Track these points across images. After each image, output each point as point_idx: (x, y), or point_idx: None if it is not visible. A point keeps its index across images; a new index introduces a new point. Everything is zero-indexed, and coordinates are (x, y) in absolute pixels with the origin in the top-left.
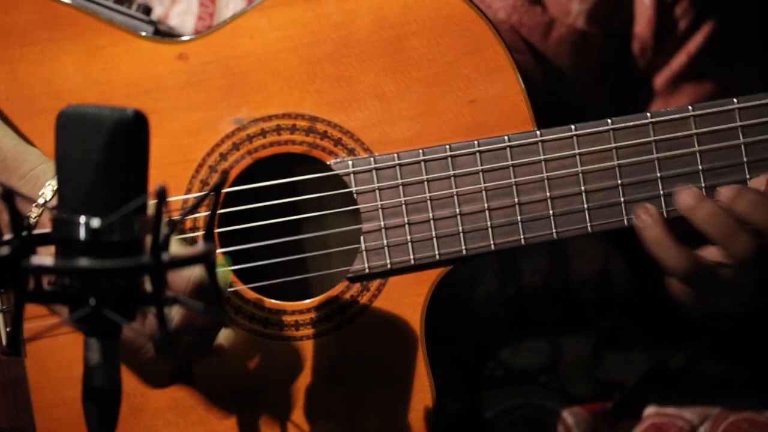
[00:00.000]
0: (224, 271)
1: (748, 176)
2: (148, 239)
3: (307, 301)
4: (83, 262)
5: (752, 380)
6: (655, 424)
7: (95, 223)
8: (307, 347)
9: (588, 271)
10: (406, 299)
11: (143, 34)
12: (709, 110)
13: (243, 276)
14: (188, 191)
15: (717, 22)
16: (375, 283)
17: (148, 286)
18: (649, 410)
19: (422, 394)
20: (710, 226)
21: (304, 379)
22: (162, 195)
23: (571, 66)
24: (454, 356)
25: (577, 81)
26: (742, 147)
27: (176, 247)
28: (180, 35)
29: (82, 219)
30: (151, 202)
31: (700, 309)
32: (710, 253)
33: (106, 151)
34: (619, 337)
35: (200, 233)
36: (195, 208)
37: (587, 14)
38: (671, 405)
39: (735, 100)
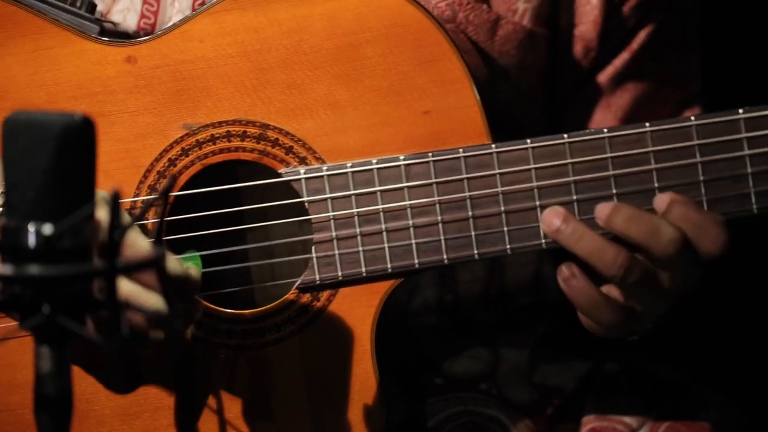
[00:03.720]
0: (195, 261)
1: (704, 196)
2: (97, 244)
3: (254, 310)
4: (35, 269)
5: (687, 384)
6: (594, 429)
7: (47, 230)
8: (252, 356)
9: (523, 277)
10: (357, 310)
11: (91, 35)
12: (666, 126)
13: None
14: (136, 196)
15: (658, 21)
16: (325, 294)
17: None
18: (588, 414)
19: (370, 405)
20: (577, 246)
21: (250, 388)
22: (116, 200)
23: (518, 65)
24: (395, 366)
25: (522, 81)
26: (699, 165)
27: (140, 239)
28: (126, 34)
29: (32, 226)
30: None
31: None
32: (614, 292)
33: (55, 157)
34: (556, 342)
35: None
36: (145, 211)
37: (533, 12)
38: (610, 410)
39: (692, 117)
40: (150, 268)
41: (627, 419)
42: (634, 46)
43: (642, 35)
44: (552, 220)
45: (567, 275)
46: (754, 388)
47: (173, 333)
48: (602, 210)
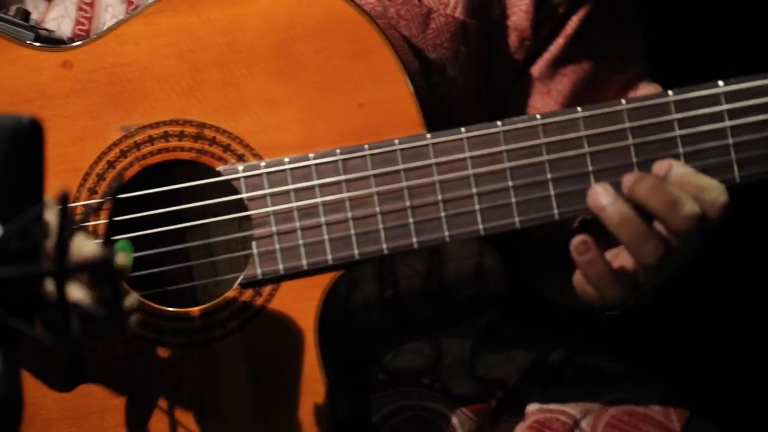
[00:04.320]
0: (125, 248)
1: None
2: (45, 245)
3: (197, 308)
4: None
5: (629, 373)
6: (538, 421)
7: None
8: (198, 354)
9: (463, 271)
10: (299, 304)
11: (27, 41)
12: (597, 111)
13: (131, 282)
14: (76, 200)
15: (590, 5)
16: (267, 289)
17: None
18: (532, 407)
19: (317, 397)
20: (621, 229)
21: (195, 385)
22: (65, 201)
23: (452, 58)
24: (338, 362)
25: (458, 74)
26: (631, 148)
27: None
28: (62, 40)
29: None
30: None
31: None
32: (625, 263)
33: (2, 159)
34: (498, 335)
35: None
36: (91, 213)
37: (465, 4)
38: (553, 401)
39: (623, 101)
40: (99, 268)
41: (570, 410)
42: (568, 31)
43: (575, 20)
44: (599, 198)
45: (582, 249)
46: (697, 378)
47: (114, 329)
48: (628, 179)
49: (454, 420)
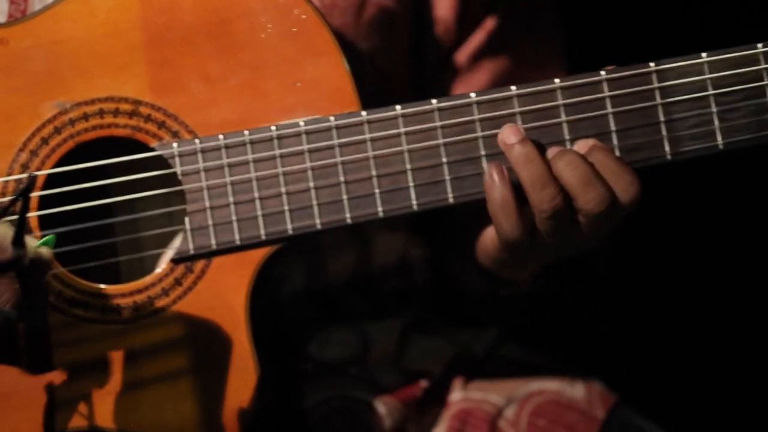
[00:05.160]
0: (47, 241)
1: None
2: None
3: (128, 284)
4: None
5: (553, 364)
6: (463, 410)
7: None
8: (129, 331)
9: (390, 262)
10: (231, 281)
11: None
12: (531, 89)
13: (61, 259)
14: (9, 176)
15: (507, 5)
16: (199, 265)
17: None
18: (456, 395)
19: (246, 374)
20: (522, 169)
21: (125, 363)
22: None
23: (383, 47)
24: (266, 352)
25: (387, 64)
26: (564, 125)
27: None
28: None
29: None
30: None
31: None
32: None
33: None
34: (424, 326)
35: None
36: (4, 212)
37: None
38: (477, 390)
39: (557, 80)
40: (9, 269)
41: (494, 398)
42: (488, 26)
43: (494, 16)
44: (509, 135)
45: (495, 172)
46: (621, 366)
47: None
48: (551, 150)
49: (381, 409)
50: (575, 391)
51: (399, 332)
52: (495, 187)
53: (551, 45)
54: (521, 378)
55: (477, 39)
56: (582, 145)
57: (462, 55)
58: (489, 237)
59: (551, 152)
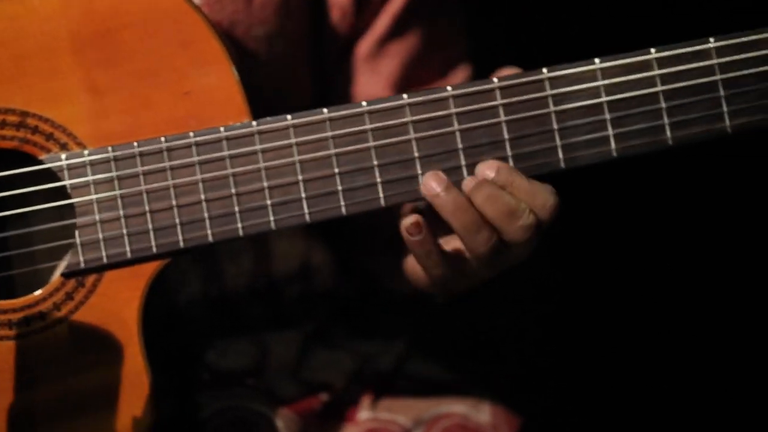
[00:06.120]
0: None
1: (463, 162)
2: None
3: (19, 299)
4: None
5: (460, 384)
6: (370, 429)
7: None
8: (18, 347)
9: (291, 268)
10: (123, 294)
11: None
12: (423, 98)
13: None
14: None
15: None
16: (90, 279)
17: None
18: (364, 414)
19: (139, 388)
20: (454, 218)
21: (17, 379)
22: None
23: (278, 33)
24: (163, 360)
25: (285, 51)
26: (457, 134)
27: None
28: None
29: None
30: None
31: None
32: (456, 246)
33: None
34: (325, 337)
35: None
36: None
37: None
38: (384, 410)
39: (449, 87)
40: None
41: (401, 419)
42: (392, 9)
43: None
44: (432, 184)
45: (413, 230)
46: (528, 387)
47: None
48: (468, 183)
49: (279, 422)
50: (480, 415)
51: (299, 343)
52: (416, 242)
53: (455, 24)
54: (429, 399)
55: (381, 24)
56: (487, 168)
57: (367, 42)
58: (417, 273)
59: (468, 185)
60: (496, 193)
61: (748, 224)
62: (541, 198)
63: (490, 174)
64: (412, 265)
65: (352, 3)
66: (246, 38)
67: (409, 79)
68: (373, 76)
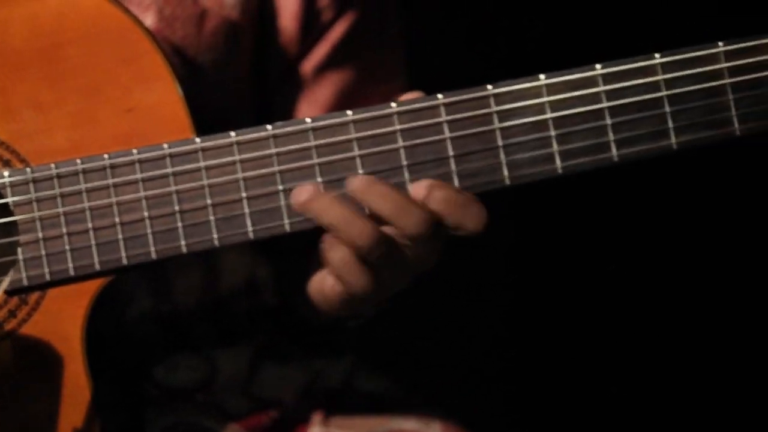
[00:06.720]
0: None
1: (408, 179)
2: None
3: None
4: None
5: (410, 400)
6: None
7: None
8: None
9: (237, 283)
10: (66, 312)
11: None
12: (367, 114)
13: None
14: None
15: (359, 10)
16: (34, 296)
17: None
18: (315, 430)
19: (82, 406)
20: (384, 204)
21: None
22: None
23: (225, 59)
24: (111, 375)
25: (230, 76)
26: (401, 150)
27: None
28: None
29: None
30: None
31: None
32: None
33: None
34: (274, 352)
35: None
36: None
37: (240, 5)
38: (336, 427)
39: (393, 104)
40: None
41: None
42: (333, 38)
43: (339, 28)
44: (299, 196)
45: (326, 239)
46: (478, 403)
47: None
48: (355, 183)
49: None
50: (432, 428)
51: (249, 358)
52: (332, 249)
53: (397, 57)
54: (380, 416)
55: (321, 50)
56: (421, 187)
57: (307, 66)
58: (328, 287)
59: (356, 184)
60: (385, 190)
61: (738, 222)
62: (474, 210)
63: (421, 195)
64: (318, 283)
65: (298, 30)
66: (194, 63)
67: (344, 109)
68: (311, 103)
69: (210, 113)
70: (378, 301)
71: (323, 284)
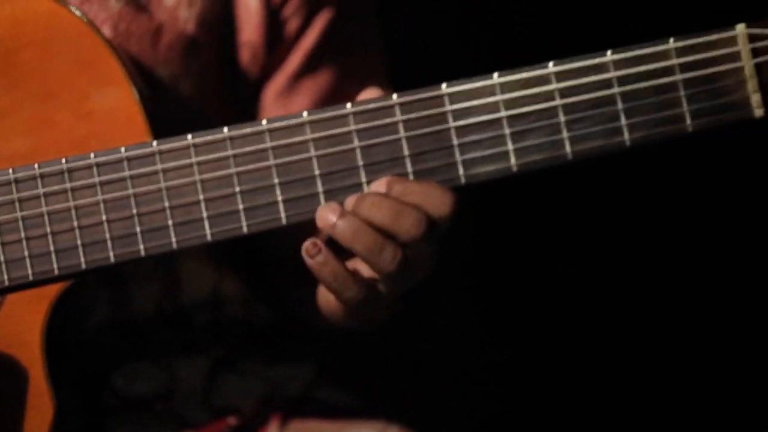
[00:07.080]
0: None
1: (364, 179)
2: None
3: None
4: None
5: (368, 410)
6: None
7: None
8: None
9: (200, 295)
10: (26, 317)
11: None
12: (324, 115)
13: None
14: None
15: (331, 14)
16: None
17: None
18: None
19: (42, 413)
20: (355, 243)
21: None
22: None
23: (184, 74)
24: (70, 385)
25: (191, 91)
26: (357, 150)
27: None
28: None
29: None
30: None
31: (349, 322)
32: (362, 269)
33: None
34: (235, 362)
35: None
36: None
37: (197, 19)
38: (292, 429)
39: (348, 105)
40: None
41: None
42: (305, 46)
43: (312, 35)
44: (327, 216)
45: (312, 251)
46: (435, 412)
47: None
48: (348, 201)
49: None
50: None
51: (208, 368)
52: (319, 264)
53: (374, 59)
54: (337, 422)
55: (293, 61)
56: (378, 186)
57: (279, 80)
58: (332, 299)
59: (350, 203)
60: (377, 199)
61: (733, 221)
62: (436, 196)
63: (382, 190)
64: (324, 296)
65: (263, 43)
66: (151, 76)
67: None
68: (285, 114)
69: (172, 125)
70: (382, 309)
71: (328, 296)
